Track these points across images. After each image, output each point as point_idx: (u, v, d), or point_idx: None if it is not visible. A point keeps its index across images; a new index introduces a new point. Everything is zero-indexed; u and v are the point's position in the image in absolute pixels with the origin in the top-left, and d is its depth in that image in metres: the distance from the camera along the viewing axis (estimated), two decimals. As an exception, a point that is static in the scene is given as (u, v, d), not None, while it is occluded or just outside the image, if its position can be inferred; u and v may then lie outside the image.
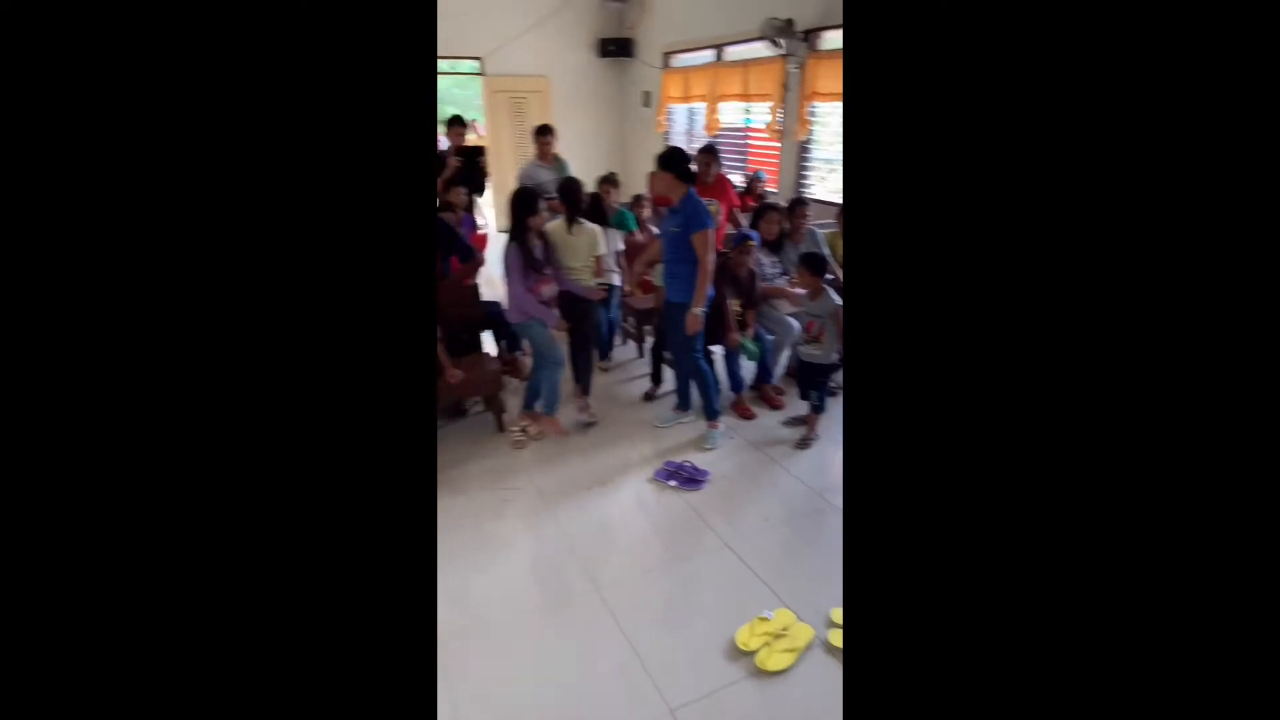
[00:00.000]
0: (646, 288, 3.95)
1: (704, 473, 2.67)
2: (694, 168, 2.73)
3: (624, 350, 4.01)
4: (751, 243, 3.04)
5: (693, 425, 3.07)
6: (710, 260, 2.63)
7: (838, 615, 1.91)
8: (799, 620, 1.90)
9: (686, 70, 6.35)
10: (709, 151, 3.81)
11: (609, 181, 3.99)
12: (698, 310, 2.67)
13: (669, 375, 3.41)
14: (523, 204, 2.67)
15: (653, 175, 2.73)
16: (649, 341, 3.72)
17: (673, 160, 2.65)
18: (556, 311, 2.80)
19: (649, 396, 3.40)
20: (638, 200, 4.14)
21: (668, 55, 6.64)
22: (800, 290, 2.99)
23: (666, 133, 7.00)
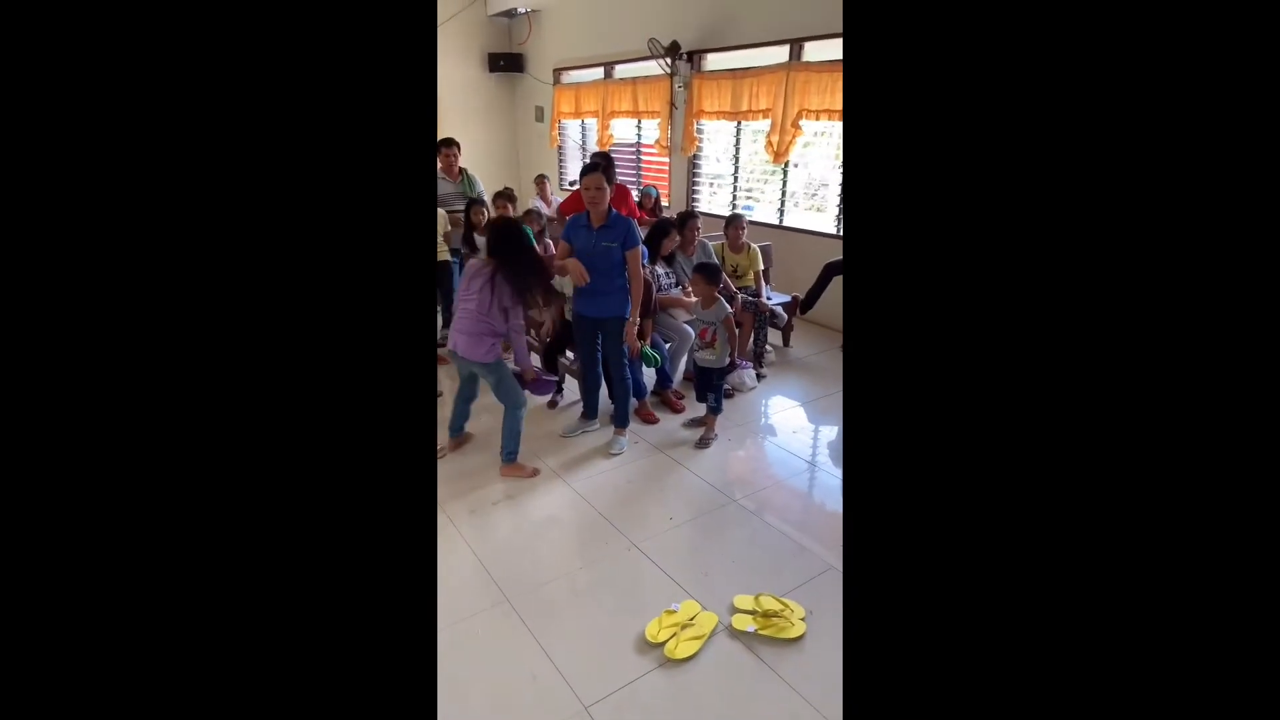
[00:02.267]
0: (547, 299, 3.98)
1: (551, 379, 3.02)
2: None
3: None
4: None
5: (598, 434, 3.14)
6: (641, 275, 2.74)
7: (740, 601, 2.03)
8: (704, 609, 2.00)
9: (578, 86, 6.47)
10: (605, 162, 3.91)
11: (504, 197, 4.01)
12: (636, 319, 2.81)
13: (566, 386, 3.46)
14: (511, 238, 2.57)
15: (580, 190, 2.74)
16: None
17: (611, 169, 2.72)
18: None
19: (553, 404, 3.43)
20: (528, 215, 4.19)
21: (559, 71, 6.73)
22: (694, 299, 3.14)
23: (560, 147, 7.07)
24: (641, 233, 2.81)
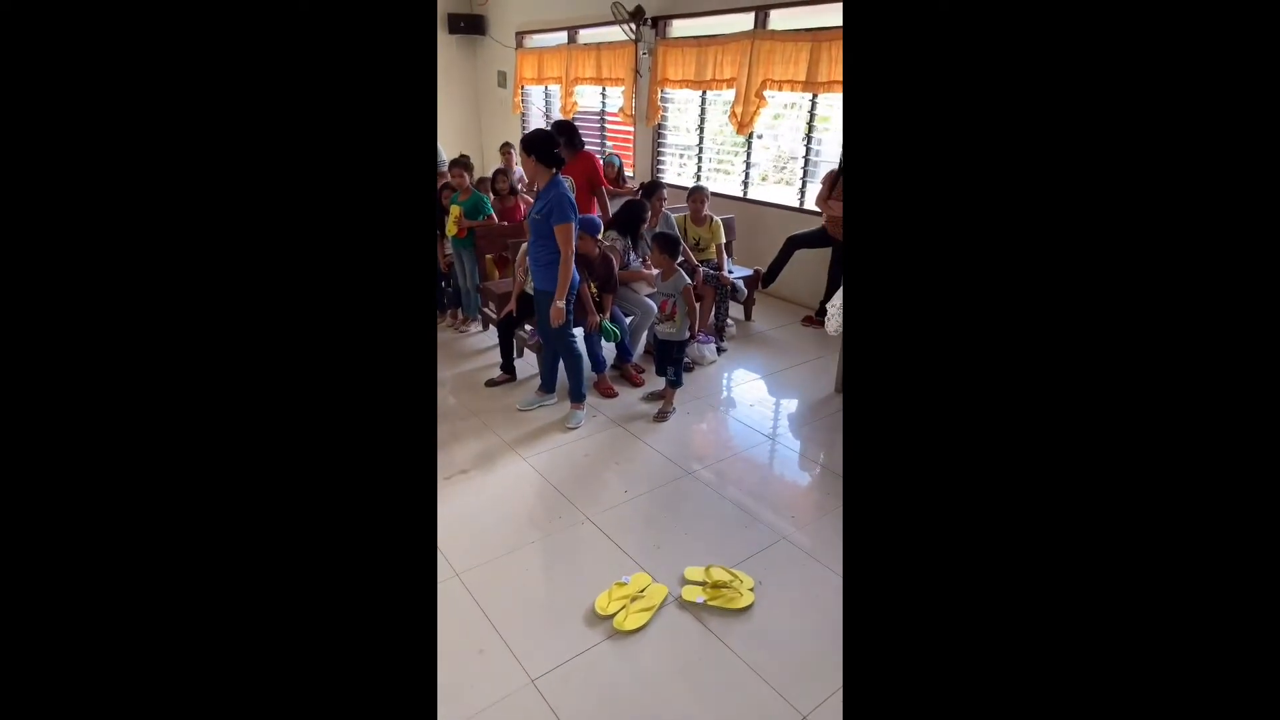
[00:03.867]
0: (502, 270, 3.91)
1: None
2: (560, 152, 2.67)
3: (486, 336, 3.95)
4: (589, 235, 3.07)
5: (555, 408, 3.11)
6: (570, 253, 2.63)
7: (691, 573, 2.04)
8: (654, 581, 2.01)
9: (540, 51, 6.28)
10: (563, 130, 3.81)
11: (460, 165, 3.89)
12: (559, 303, 2.69)
13: (519, 363, 3.41)
14: None
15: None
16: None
17: (535, 143, 2.60)
18: None
19: (492, 382, 3.35)
20: (481, 183, 4.09)
21: (521, 35, 6.52)
22: (654, 271, 3.11)
23: (523, 114, 6.89)
24: (570, 202, 2.64)
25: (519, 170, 5.27)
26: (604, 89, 5.82)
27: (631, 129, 5.58)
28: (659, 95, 5.18)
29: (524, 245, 3.26)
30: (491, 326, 3.86)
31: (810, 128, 4.30)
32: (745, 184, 4.88)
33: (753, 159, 4.84)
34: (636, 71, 5.24)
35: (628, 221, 3.46)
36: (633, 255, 3.51)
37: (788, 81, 4.18)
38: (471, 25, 6.85)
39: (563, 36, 6.03)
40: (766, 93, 4.34)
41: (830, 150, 4.29)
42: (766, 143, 4.85)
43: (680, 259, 3.08)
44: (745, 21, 4.42)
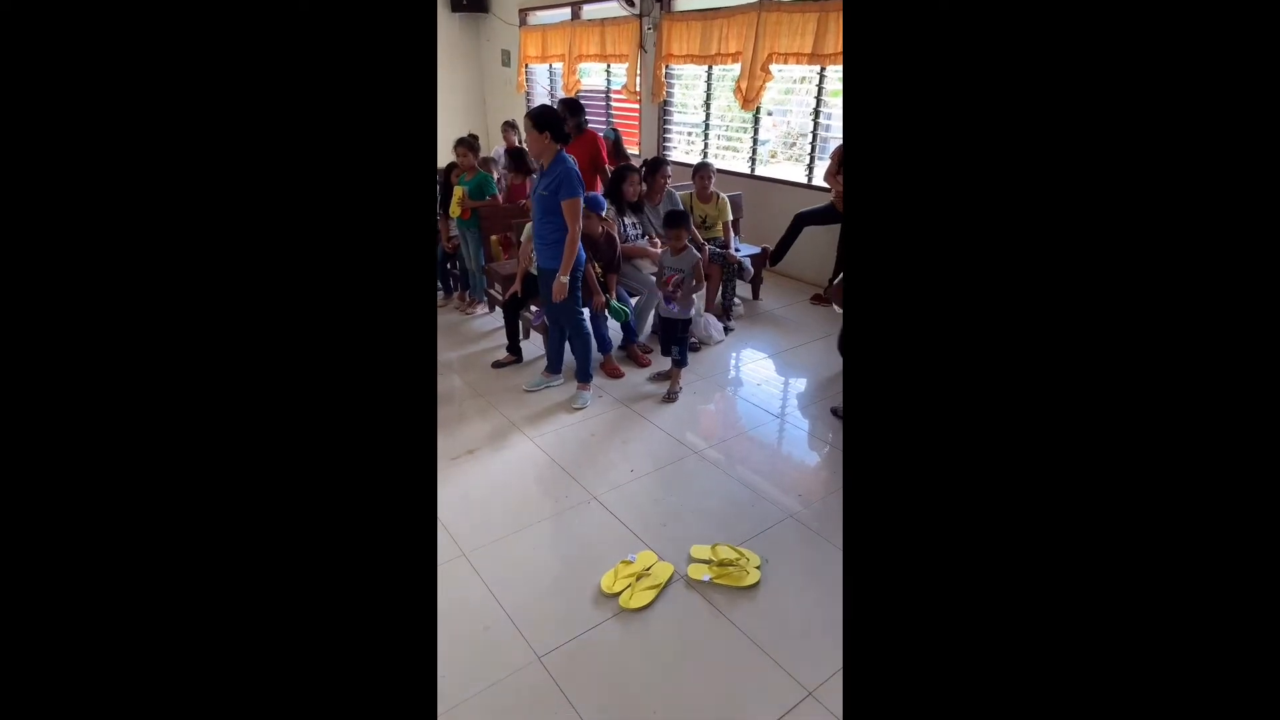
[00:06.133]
0: (507, 249, 3.89)
1: None
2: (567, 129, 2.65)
3: (492, 318, 3.94)
4: (595, 213, 3.05)
5: (562, 388, 3.10)
6: (577, 229, 2.62)
7: (697, 551, 2.04)
8: (661, 560, 2.01)
9: (544, 28, 6.19)
10: (568, 108, 3.76)
11: (465, 144, 3.85)
12: (564, 278, 2.67)
13: (525, 344, 3.41)
14: None
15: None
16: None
17: (545, 119, 2.58)
18: None
19: (499, 364, 3.35)
20: (485, 163, 4.05)
21: (525, 12, 6.42)
22: (657, 250, 3.07)
23: (528, 93, 6.82)
24: (578, 177, 2.62)
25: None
26: (609, 66, 5.73)
27: (637, 106, 5.50)
28: (664, 71, 5.09)
29: (528, 226, 3.23)
30: (497, 308, 3.85)
31: (819, 102, 4.21)
32: (753, 161, 4.81)
33: (762, 136, 4.76)
34: (641, 47, 5.15)
35: (610, 187, 3.44)
36: (627, 225, 3.46)
37: (794, 54, 4.09)
38: (474, 3, 6.75)
39: (566, 13, 5.93)
40: (773, 66, 4.25)
41: (840, 125, 4.20)
42: (776, 119, 4.76)
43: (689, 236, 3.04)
44: (752, -8, 4.32)
